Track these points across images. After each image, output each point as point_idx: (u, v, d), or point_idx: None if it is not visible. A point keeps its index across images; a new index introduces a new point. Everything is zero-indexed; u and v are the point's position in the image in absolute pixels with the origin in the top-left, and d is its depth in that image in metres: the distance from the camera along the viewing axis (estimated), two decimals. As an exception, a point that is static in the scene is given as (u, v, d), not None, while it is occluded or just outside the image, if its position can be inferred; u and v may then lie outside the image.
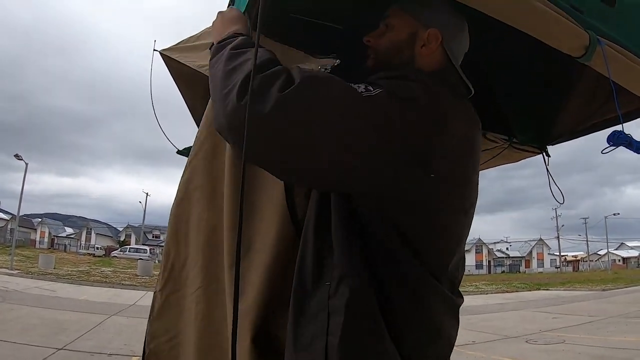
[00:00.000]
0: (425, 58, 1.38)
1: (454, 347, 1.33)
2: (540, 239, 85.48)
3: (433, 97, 1.20)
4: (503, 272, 73.68)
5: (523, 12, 1.23)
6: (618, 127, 1.54)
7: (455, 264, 1.35)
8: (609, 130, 1.57)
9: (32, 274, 23.79)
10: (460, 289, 1.40)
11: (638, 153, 1.53)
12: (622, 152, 1.56)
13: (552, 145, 2.60)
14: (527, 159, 2.75)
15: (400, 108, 1.12)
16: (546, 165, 2.52)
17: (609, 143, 1.52)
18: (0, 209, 76.42)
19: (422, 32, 1.37)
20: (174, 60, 2.15)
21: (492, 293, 27.41)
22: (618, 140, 1.50)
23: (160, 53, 2.21)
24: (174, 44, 2.22)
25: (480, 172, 1.42)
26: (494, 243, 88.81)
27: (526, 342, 10.23)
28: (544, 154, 2.60)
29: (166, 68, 2.26)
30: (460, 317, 1.37)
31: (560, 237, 72.90)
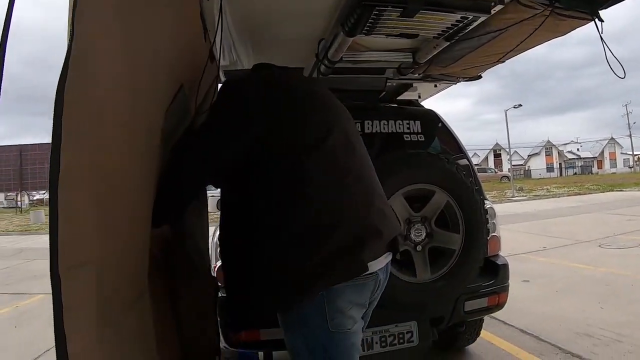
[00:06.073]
0: None
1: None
2: (612, 138, 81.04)
3: None
4: (575, 174, 70.99)
5: None
6: None
7: None
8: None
9: None
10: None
11: None
12: None
13: (604, 8, 2.20)
14: (580, 31, 2.38)
15: None
16: (600, 33, 2.19)
17: None
18: None
19: None
20: None
21: (564, 196, 26.42)
22: None
23: None
24: None
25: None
26: (564, 144, 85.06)
27: (599, 246, 9.82)
28: (595, 20, 2.22)
29: None
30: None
31: (632, 135, 68.86)
